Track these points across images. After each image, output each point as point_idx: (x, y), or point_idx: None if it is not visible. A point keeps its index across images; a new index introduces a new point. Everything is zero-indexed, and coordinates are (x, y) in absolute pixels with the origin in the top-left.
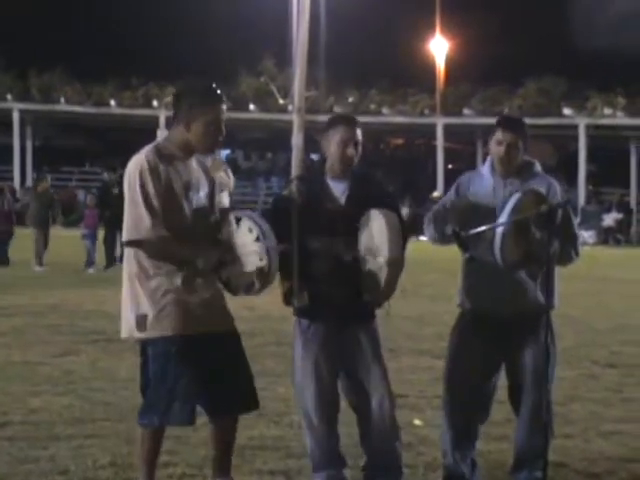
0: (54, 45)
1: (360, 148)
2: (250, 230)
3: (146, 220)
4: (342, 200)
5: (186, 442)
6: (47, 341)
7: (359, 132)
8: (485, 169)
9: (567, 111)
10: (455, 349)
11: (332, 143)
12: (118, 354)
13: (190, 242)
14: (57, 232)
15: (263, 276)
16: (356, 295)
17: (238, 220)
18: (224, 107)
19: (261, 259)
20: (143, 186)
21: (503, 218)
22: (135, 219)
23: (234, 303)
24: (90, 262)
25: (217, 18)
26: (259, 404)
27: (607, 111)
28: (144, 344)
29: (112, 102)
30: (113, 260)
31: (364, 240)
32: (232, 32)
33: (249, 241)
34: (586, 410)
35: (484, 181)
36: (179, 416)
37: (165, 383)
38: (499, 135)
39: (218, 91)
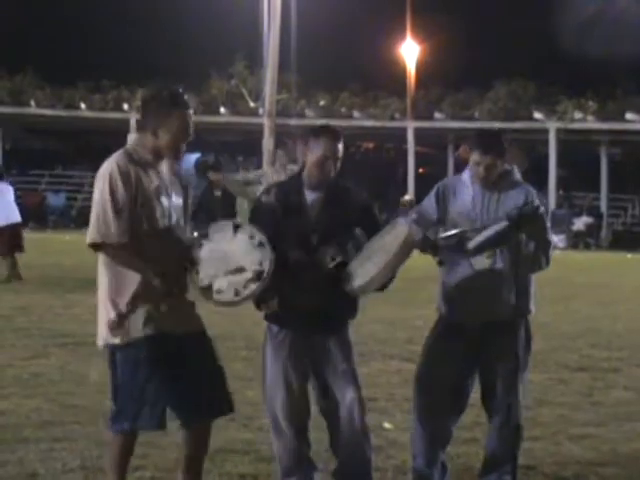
0: (24, 48)
1: (339, 163)
2: (252, 237)
3: (113, 225)
4: (315, 210)
5: (156, 446)
6: (16, 344)
7: (341, 147)
8: (466, 177)
9: (537, 115)
10: (429, 352)
11: (312, 155)
12: (87, 357)
13: (154, 255)
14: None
15: (259, 281)
16: (327, 305)
17: (237, 227)
18: (190, 112)
19: (261, 264)
20: (113, 191)
21: (481, 237)
22: (102, 222)
23: (205, 307)
24: None
25: (188, 21)
26: (234, 407)
27: (577, 115)
28: (112, 349)
29: (82, 105)
30: None
31: (375, 239)
32: (203, 35)
33: (250, 247)
34: (556, 414)
35: (464, 190)
36: (149, 421)
37: (134, 388)
38: (476, 157)
39: (184, 97)
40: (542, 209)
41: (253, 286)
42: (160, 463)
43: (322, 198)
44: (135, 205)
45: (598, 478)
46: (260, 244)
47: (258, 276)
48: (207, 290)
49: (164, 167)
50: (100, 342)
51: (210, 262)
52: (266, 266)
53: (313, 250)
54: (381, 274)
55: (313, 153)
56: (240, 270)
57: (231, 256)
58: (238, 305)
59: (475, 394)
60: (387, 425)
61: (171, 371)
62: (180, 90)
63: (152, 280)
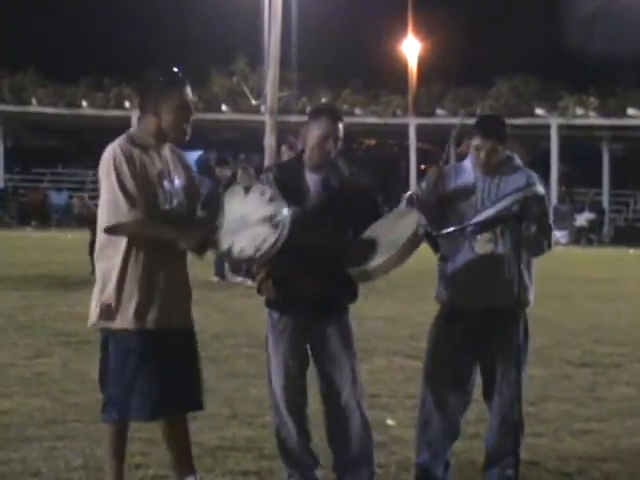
0: (26, 46)
1: (340, 143)
2: (263, 193)
3: (122, 204)
4: (316, 192)
5: (158, 443)
6: (18, 343)
7: (341, 126)
8: (467, 163)
9: (539, 111)
10: (434, 345)
11: (312, 135)
12: (90, 355)
13: (169, 224)
14: (27, 234)
15: (276, 233)
16: (327, 290)
17: (247, 189)
18: (188, 89)
19: (276, 215)
20: (118, 172)
21: (482, 216)
22: (111, 205)
23: (207, 305)
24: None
25: (189, 18)
26: (203, 405)
27: (579, 111)
28: (105, 338)
29: (84, 103)
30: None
31: (385, 223)
32: (204, 32)
33: (263, 203)
34: (558, 409)
35: (465, 176)
36: (138, 411)
37: (124, 378)
38: (477, 141)
39: (180, 74)
40: (543, 192)
41: (271, 239)
42: (162, 461)
43: (323, 180)
44: (141, 186)
45: (600, 473)
46: (272, 199)
47: (275, 228)
48: (228, 253)
49: (166, 151)
50: (90, 321)
51: (227, 226)
52: (281, 217)
53: (313, 232)
54: (391, 261)
55: (313, 133)
56: (256, 225)
57: (246, 215)
58: (260, 261)
59: (478, 389)
60: (390, 422)
61: (157, 364)
62: (176, 70)
63: (180, 240)
